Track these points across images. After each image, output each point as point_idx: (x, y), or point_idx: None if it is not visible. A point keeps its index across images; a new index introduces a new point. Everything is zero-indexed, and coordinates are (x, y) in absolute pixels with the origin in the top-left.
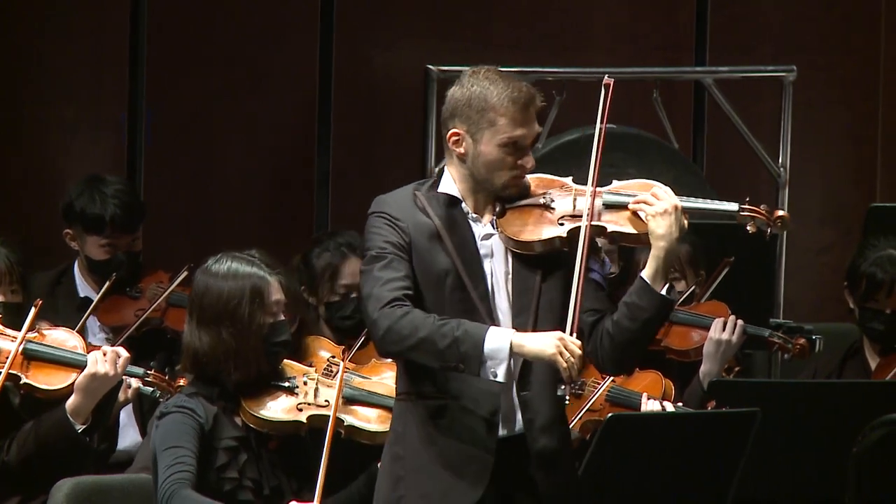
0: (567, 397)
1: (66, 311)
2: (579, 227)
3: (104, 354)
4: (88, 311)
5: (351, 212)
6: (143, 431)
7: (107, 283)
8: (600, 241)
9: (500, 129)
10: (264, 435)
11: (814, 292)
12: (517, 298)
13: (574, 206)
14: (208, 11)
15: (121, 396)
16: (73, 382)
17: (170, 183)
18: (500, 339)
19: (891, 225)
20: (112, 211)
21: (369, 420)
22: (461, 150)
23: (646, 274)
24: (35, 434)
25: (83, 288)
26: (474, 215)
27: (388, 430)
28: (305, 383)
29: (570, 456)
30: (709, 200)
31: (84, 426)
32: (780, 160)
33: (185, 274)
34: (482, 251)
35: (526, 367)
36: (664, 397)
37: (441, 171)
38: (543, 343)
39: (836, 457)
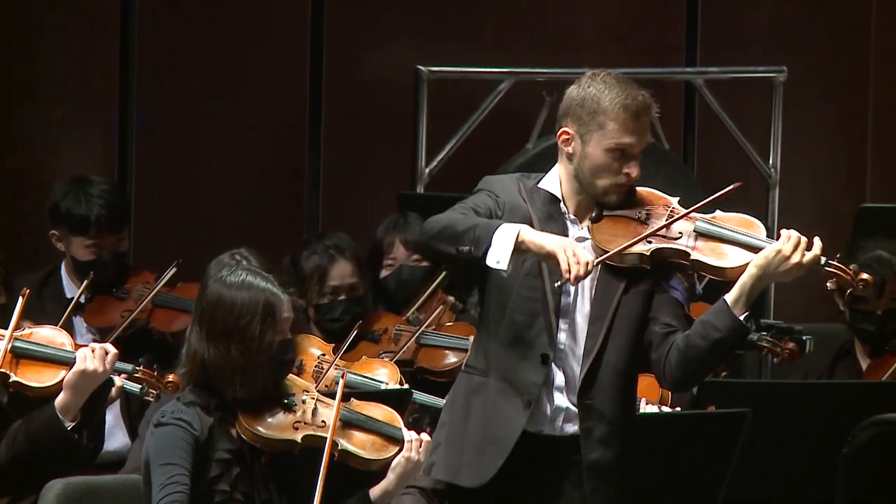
0: (559, 283)
1: (53, 312)
2: (663, 248)
3: (93, 351)
4: (68, 309)
5: (342, 212)
6: (131, 433)
7: (84, 283)
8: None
9: (609, 134)
10: (258, 448)
11: (805, 293)
12: (596, 304)
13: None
14: (198, 12)
15: None
16: (62, 380)
17: (160, 183)
18: (511, 229)
19: (880, 226)
20: (97, 211)
21: (364, 447)
22: (570, 149)
23: (729, 297)
24: (24, 432)
25: (70, 289)
26: (573, 217)
27: (382, 458)
28: (304, 401)
29: (624, 470)
30: None
31: (73, 423)
32: (771, 160)
33: (171, 273)
34: None
35: (591, 375)
36: (661, 401)
37: (549, 168)
38: (551, 239)
39: (828, 457)
